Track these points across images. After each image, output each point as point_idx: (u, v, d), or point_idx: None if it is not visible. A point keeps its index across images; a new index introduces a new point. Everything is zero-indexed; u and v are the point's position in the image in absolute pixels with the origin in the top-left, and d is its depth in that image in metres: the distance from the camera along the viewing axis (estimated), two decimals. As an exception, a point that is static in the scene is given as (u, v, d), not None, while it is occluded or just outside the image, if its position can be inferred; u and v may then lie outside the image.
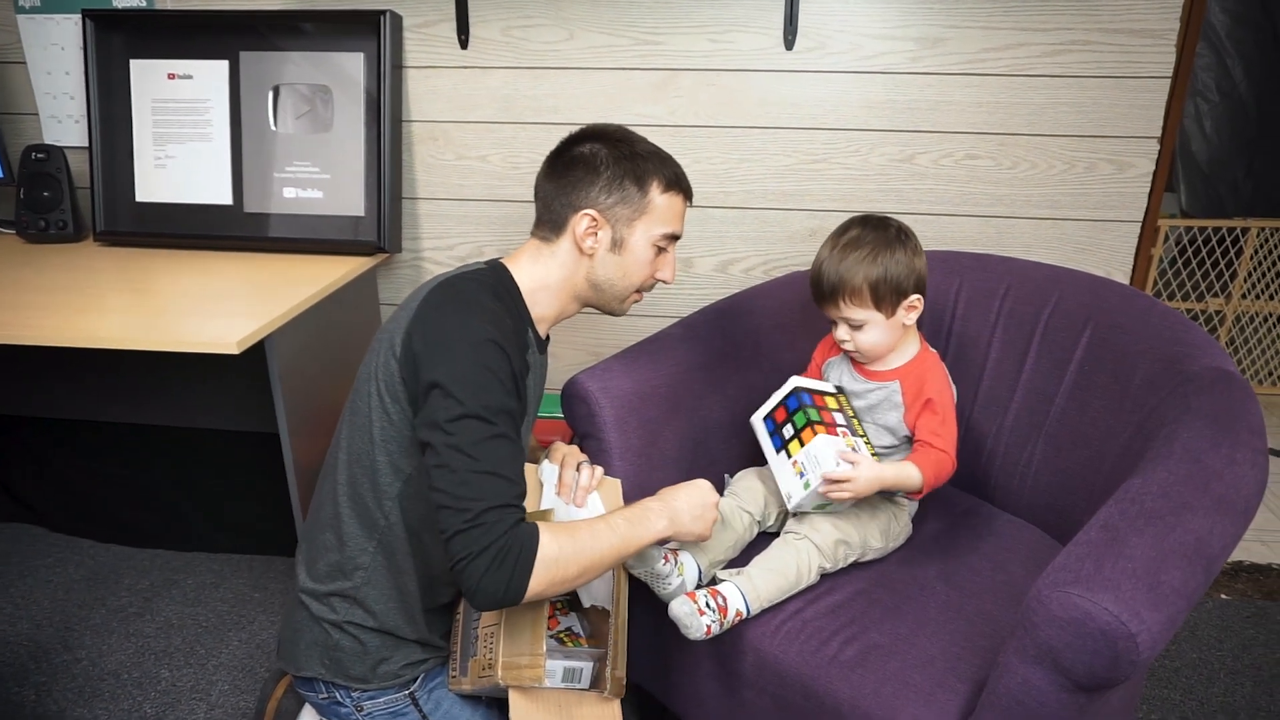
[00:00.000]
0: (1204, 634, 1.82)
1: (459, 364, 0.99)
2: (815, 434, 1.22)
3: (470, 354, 1.00)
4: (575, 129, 1.21)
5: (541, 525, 0.98)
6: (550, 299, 1.18)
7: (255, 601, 1.94)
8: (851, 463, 1.20)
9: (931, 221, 1.77)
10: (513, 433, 1.01)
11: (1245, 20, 3.75)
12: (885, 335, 1.30)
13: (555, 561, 0.97)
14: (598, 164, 1.14)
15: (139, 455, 2.09)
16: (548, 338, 1.23)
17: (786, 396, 1.30)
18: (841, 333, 1.32)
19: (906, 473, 1.25)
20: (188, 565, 2.07)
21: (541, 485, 1.21)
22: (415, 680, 1.15)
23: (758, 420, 1.33)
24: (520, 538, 0.95)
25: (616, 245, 1.16)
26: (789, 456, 1.26)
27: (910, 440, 1.33)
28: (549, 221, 1.17)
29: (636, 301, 1.24)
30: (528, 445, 1.29)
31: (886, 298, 1.27)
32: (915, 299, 1.29)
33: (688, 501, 1.13)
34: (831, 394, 1.33)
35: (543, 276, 1.17)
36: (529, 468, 1.23)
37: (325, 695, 1.14)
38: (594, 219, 1.14)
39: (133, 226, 1.88)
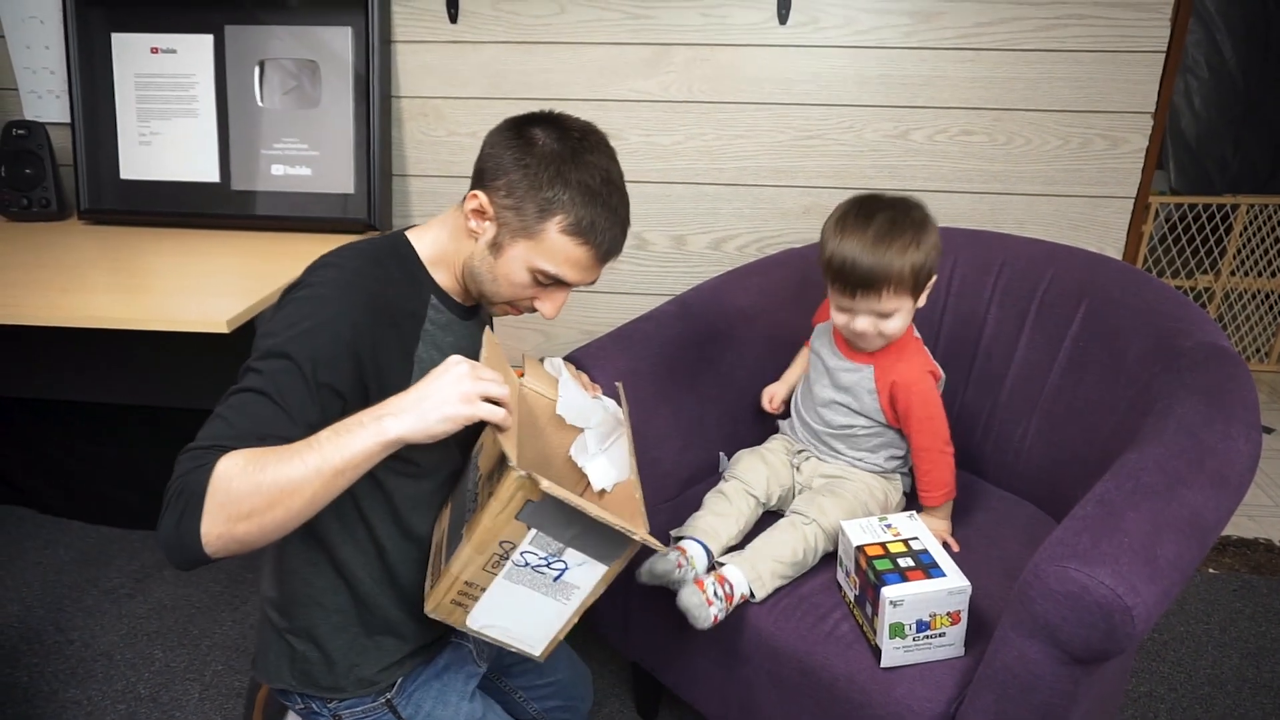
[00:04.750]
0: (1192, 608, 1.84)
1: (274, 317, 0.89)
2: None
3: (290, 306, 0.90)
4: (567, 105, 1.09)
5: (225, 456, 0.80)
6: (446, 275, 1.02)
7: (248, 582, 1.93)
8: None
9: (926, 198, 1.72)
10: (283, 390, 0.85)
11: (1236, -5, 3.74)
12: (908, 319, 1.25)
13: (226, 490, 0.78)
14: (526, 158, 0.94)
15: (128, 436, 2.07)
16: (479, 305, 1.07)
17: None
18: (864, 324, 1.22)
19: (938, 511, 1.31)
20: (179, 546, 2.06)
21: (555, 378, 1.10)
22: (393, 686, 1.08)
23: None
24: (197, 475, 0.78)
25: (494, 247, 0.97)
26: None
27: (887, 425, 1.31)
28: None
29: (509, 314, 1.05)
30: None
31: (923, 283, 1.22)
32: (933, 279, 1.25)
33: (425, 392, 0.85)
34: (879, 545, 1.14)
35: (437, 244, 1.01)
36: (530, 360, 1.11)
37: (301, 706, 1.08)
38: (480, 207, 0.96)
39: (117, 204, 1.85)
